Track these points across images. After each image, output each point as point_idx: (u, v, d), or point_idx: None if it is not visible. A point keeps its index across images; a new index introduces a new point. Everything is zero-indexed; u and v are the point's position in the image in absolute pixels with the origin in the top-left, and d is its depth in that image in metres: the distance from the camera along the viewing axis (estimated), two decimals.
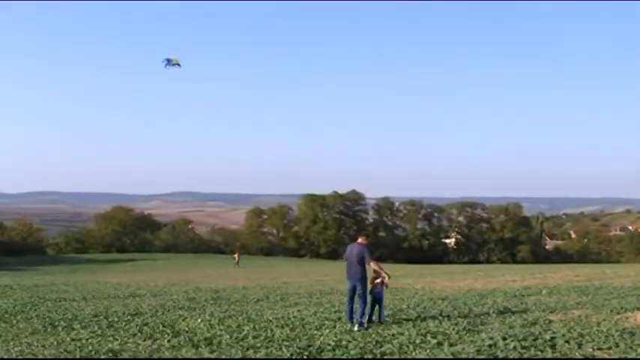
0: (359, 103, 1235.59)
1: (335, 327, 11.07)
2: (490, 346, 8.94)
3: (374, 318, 11.50)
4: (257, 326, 11.43)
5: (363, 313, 11.09)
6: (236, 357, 8.72)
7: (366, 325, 10.95)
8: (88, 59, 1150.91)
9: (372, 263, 11.29)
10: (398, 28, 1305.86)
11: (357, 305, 11.26)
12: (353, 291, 11.42)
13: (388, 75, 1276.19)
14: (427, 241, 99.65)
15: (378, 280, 11.56)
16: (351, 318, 11.32)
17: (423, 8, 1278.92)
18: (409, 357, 8.55)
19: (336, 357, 8.61)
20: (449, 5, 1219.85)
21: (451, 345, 9.14)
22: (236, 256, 59.75)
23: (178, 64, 21.32)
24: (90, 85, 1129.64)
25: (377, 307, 11.58)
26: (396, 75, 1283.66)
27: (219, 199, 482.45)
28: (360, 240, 11.61)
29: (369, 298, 11.39)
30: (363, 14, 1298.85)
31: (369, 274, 11.52)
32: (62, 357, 8.96)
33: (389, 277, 11.65)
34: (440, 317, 12.23)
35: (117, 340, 10.28)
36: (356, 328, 10.68)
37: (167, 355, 9.01)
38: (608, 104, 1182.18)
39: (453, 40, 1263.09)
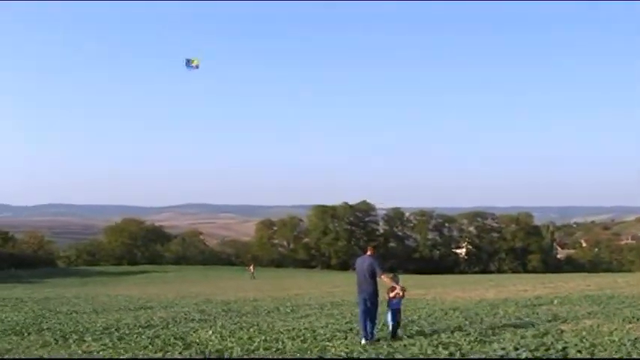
0: (369, 112, 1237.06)
1: (346, 338, 11.05)
2: (502, 356, 8.91)
3: (399, 332, 11.20)
4: (268, 338, 11.43)
5: (373, 327, 10.88)
6: None
7: (377, 337, 10.85)
8: (98, 68, 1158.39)
9: (382, 276, 10.82)
10: (407, 34, 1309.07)
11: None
12: (364, 305, 10.81)
13: (397, 84, 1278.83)
14: (438, 252, 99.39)
15: (396, 292, 11.01)
16: (365, 335, 10.62)
17: (433, 11, 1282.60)
18: None
19: None
20: (454, 7, 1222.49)
21: (463, 356, 9.11)
22: (251, 267, 59.90)
23: (197, 66, 21.53)
24: (100, 95, 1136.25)
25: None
26: (404, 84, 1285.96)
27: (231, 210, 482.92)
28: (368, 252, 11.25)
29: (385, 310, 11.23)
30: (373, 21, 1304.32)
31: (382, 287, 11.06)
32: None
33: (404, 290, 11.08)
34: (451, 328, 12.17)
35: (128, 352, 10.33)
36: (363, 342, 10.50)
37: None
38: (619, 112, 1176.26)
39: (461, 47, 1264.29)
